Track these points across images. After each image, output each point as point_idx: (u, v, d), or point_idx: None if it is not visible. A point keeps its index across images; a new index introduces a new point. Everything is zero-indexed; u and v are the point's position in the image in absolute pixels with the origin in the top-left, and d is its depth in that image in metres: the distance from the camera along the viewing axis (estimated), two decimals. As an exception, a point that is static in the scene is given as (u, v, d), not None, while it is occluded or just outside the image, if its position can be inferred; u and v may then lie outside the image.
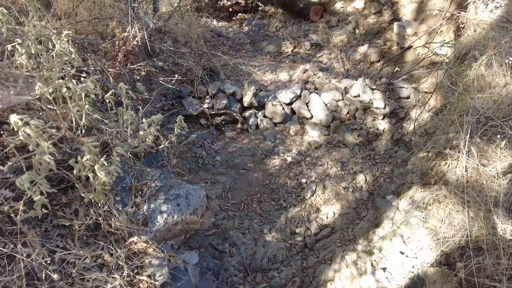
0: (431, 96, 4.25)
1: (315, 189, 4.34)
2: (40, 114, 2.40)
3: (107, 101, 2.58)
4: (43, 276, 2.08)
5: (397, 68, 5.40)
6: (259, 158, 4.75)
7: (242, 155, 4.79)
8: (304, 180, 4.52)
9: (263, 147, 4.91)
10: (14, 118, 1.65)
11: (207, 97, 5.11)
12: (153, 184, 2.90)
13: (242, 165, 4.67)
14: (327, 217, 4.08)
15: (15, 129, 1.69)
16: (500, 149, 2.17)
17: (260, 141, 5.03)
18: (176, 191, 2.84)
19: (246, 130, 5.27)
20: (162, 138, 3.07)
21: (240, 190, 4.39)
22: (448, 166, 2.51)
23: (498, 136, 2.33)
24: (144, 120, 2.62)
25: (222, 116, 5.10)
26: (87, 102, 2.49)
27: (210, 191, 4.13)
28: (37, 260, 2.12)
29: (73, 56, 2.99)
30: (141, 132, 2.69)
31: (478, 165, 2.10)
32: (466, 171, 2.17)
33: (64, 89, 2.25)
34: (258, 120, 5.24)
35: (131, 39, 3.37)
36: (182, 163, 4.33)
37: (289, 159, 4.78)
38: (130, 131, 2.75)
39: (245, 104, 5.23)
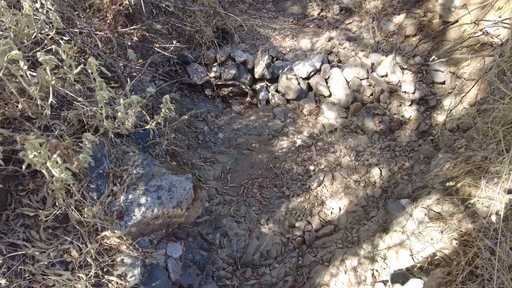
0: (472, 86, 3.62)
1: (323, 179, 3.97)
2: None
3: (89, 71, 2.21)
4: (-6, 276, 1.88)
5: (435, 46, 4.68)
6: (265, 138, 4.37)
7: (247, 133, 4.41)
8: (312, 168, 4.14)
9: (271, 126, 4.50)
10: None
11: (214, 64, 4.64)
12: (134, 170, 2.60)
13: (246, 144, 4.31)
14: (331, 213, 3.75)
15: None
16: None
17: (269, 119, 4.61)
18: (158, 182, 2.54)
19: (255, 105, 4.84)
20: (148, 118, 2.72)
21: (241, 172, 4.08)
22: (481, 191, 2.05)
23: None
24: (122, 100, 2.25)
25: (230, 88, 4.66)
26: (54, 77, 2.13)
27: (207, 172, 3.85)
28: (-9, 256, 1.92)
29: (50, 15, 2.60)
30: (119, 114, 2.34)
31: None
32: (505, 210, 1.72)
33: (22, 63, 1.89)
34: (270, 94, 4.78)
35: (123, -3, 2.91)
36: (180, 138, 4.01)
37: (298, 141, 4.37)
38: (108, 111, 2.41)
39: (257, 76, 4.73)
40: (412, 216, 3.16)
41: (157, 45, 3.32)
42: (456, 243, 2.13)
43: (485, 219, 1.83)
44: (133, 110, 2.36)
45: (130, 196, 2.47)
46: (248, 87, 4.73)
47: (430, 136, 4.12)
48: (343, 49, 5.42)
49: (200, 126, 4.36)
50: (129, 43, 3.04)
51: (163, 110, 2.58)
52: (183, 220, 2.73)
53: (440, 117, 4.23)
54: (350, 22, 6.10)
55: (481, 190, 2.04)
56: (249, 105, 4.84)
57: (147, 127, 2.69)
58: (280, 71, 4.80)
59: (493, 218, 1.69)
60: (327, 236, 3.57)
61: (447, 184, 2.61)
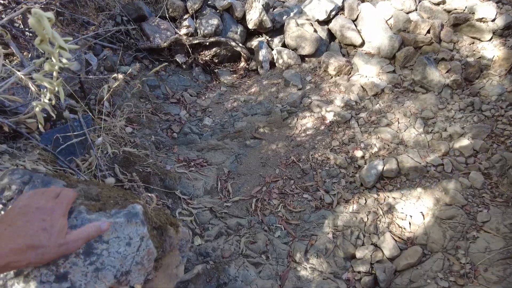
0: None
1: (382, 168, 2.50)
2: None
3: None
4: None
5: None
6: (278, 117, 2.89)
7: (249, 113, 2.93)
8: (359, 153, 2.67)
9: (285, 99, 3.02)
10: None
11: (185, 16, 3.13)
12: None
13: (250, 131, 2.83)
14: (410, 224, 2.29)
15: None
16: None
17: (279, 88, 3.13)
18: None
19: (255, 71, 3.34)
20: (51, 112, 1.21)
21: (248, 176, 2.61)
22: None
23: None
24: None
25: (213, 48, 3.16)
26: None
27: (194, 183, 2.38)
28: None
29: None
30: None
31: None
32: None
33: None
34: (274, 52, 3.28)
35: None
36: (143, 132, 2.51)
37: (329, 116, 2.90)
38: None
39: (251, 26, 3.24)
40: None
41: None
42: None
43: None
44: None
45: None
46: (240, 45, 3.22)
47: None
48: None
49: (175, 111, 2.85)
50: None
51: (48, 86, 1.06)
52: (144, 308, 1.23)
53: (546, 49, 2.77)
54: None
55: None
56: (245, 73, 3.35)
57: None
58: (284, 17, 3.30)
59: None
60: (413, 267, 2.11)
61: None
